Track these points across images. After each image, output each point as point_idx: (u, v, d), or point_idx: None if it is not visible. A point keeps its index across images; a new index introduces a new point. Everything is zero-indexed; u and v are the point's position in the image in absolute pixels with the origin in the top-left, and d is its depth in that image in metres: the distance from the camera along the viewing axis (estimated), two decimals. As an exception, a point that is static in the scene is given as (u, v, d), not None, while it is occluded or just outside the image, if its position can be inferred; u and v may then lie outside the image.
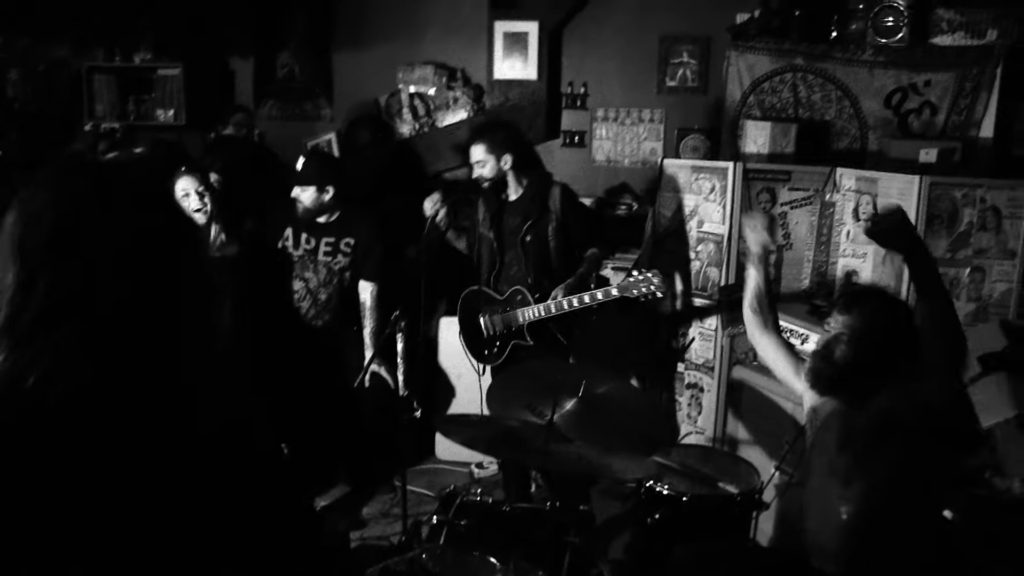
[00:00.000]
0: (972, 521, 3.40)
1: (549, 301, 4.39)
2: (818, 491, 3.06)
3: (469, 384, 5.51)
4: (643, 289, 4.19)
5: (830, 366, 2.93)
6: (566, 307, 4.35)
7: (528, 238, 4.53)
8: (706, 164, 4.90)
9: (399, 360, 4.34)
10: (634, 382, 5.30)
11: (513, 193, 4.61)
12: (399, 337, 4.28)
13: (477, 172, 4.55)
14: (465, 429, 2.87)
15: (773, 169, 4.73)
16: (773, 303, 3.59)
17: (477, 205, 4.74)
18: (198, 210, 4.33)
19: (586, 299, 4.30)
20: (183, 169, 4.39)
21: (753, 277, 3.55)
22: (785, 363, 3.44)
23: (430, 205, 4.60)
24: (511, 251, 4.60)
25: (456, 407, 5.66)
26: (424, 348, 5.55)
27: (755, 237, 3.56)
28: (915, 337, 2.79)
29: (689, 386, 5.15)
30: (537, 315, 4.44)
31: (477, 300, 4.71)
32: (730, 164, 4.69)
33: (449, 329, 5.63)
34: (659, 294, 4.21)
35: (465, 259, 4.92)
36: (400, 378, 4.37)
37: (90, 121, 6.41)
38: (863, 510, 2.84)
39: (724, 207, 4.72)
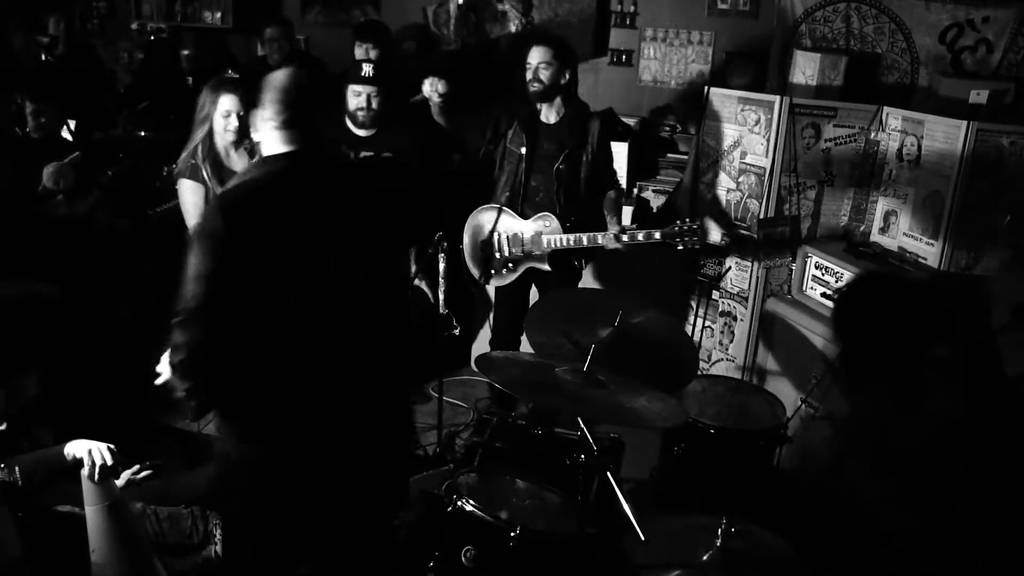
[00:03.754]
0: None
1: (585, 234, 4.45)
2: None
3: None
4: (687, 240, 4.30)
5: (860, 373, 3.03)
6: (603, 243, 4.42)
7: (563, 167, 4.52)
8: (753, 96, 4.88)
9: (440, 279, 4.42)
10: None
11: (552, 116, 4.57)
12: (441, 257, 4.35)
13: (533, 75, 4.45)
14: (500, 368, 2.94)
15: (820, 105, 4.71)
16: None
17: (498, 119, 4.69)
18: (231, 131, 4.11)
19: (625, 239, 4.37)
20: (224, 87, 4.26)
21: None
22: None
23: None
24: (540, 175, 4.58)
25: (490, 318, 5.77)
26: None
27: None
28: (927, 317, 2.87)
29: (723, 314, 5.22)
30: (565, 244, 4.50)
31: (498, 218, 4.68)
32: (776, 98, 4.67)
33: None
34: (698, 247, 4.33)
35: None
36: (441, 296, 4.46)
37: (136, 21, 6.42)
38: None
39: (768, 140, 4.73)
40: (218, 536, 3.27)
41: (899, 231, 4.54)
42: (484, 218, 4.75)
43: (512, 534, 2.73)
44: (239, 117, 4.09)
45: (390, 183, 2.86)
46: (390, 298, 2.90)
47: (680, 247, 4.33)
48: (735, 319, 5.13)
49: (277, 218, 2.53)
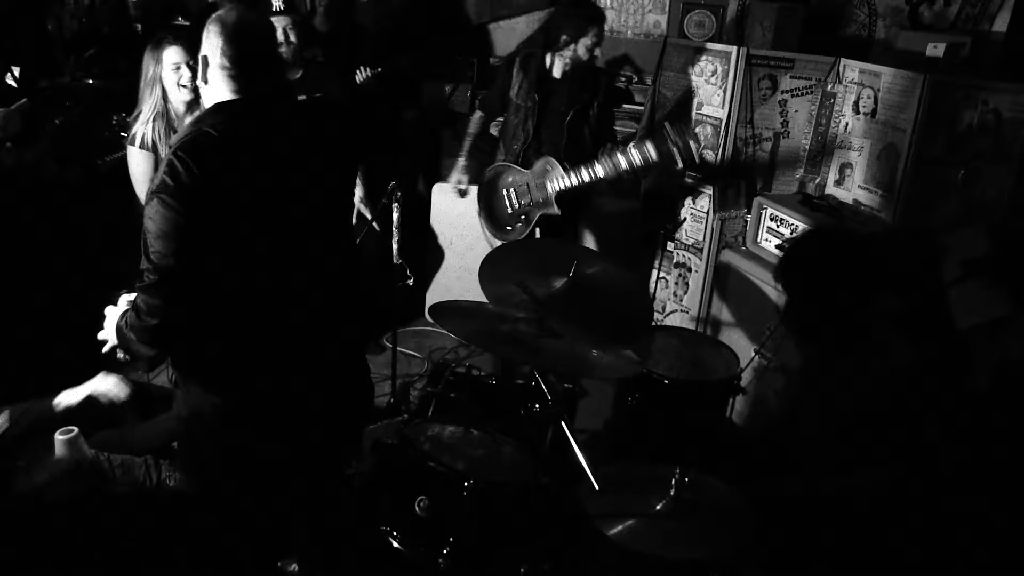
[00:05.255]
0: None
1: (586, 168, 4.44)
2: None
3: (459, 250, 5.62)
4: (676, 150, 4.23)
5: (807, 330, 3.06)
6: (601, 174, 4.40)
7: (573, 122, 4.60)
8: (710, 47, 4.85)
9: (394, 229, 4.38)
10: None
11: (559, 70, 4.63)
12: (395, 207, 4.31)
13: (589, 51, 4.49)
14: (456, 319, 2.93)
15: (777, 56, 4.69)
16: None
17: (507, 72, 4.75)
18: (185, 86, 3.89)
19: (624, 165, 4.33)
20: (169, 39, 4.09)
21: None
22: None
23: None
24: (548, 129, 4.63)
25: (444, 271, 5.75)
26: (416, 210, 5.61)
27: None
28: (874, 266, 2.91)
29: (677, 265, 5.23)
30: (570, 183, 4.50)
31: (503, 175, 4.77)
32: (734, 49, 4.65)
33: (442, 195, 5.66)
34: (691, 145, 4.24)
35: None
36: (395, 247, 4.42)
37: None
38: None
39: (725, 91, 4.71)
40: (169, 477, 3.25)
41: (854, 184, 4.56)
42: (491, 178, 4.83)
43: (466, 484, 2.72)
44: (190, 67, 3.92)
45: (334, 127, 2.75)
46: (344, 244, 2.87)
47: (680, 163, 4.29)
48: (690, 270, 5.14)
49: (238, 166, 2.43)
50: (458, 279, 5.66)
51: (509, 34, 6.33)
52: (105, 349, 2.69)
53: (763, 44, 4.83)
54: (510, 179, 4.72)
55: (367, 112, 4.88)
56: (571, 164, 4.52)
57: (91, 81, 5.52)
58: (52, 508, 2.53)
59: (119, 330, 2.53)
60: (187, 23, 6.00)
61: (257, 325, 2.55)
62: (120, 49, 5.68)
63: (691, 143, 4.23)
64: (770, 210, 4.60)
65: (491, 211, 4.84)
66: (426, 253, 5.77)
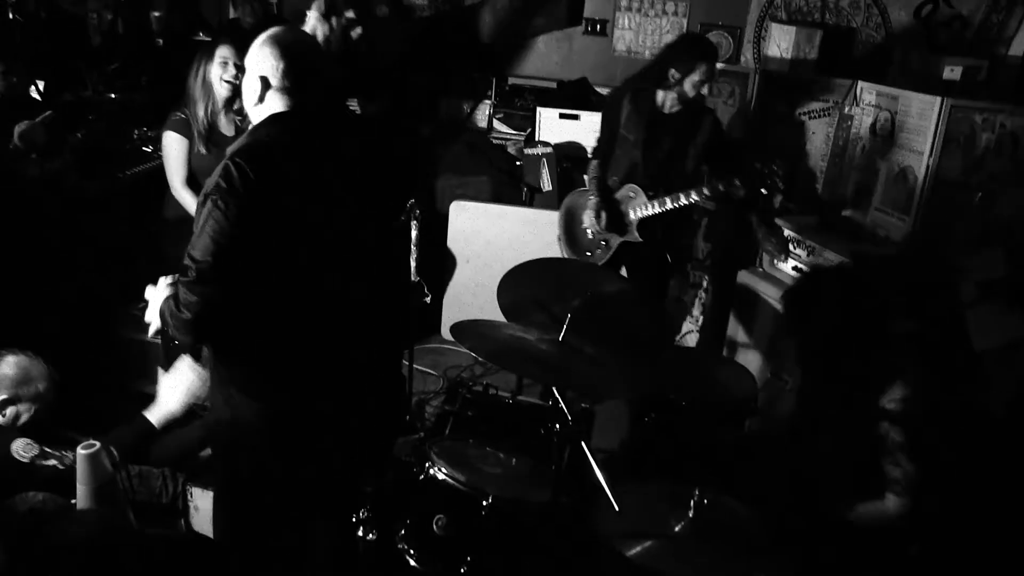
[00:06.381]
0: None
1: (669, 196, 4.35)
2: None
3: (476, 268, 5.63)
4: (769, 184, 4.12)
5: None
6: (683, 200, 4.32)
7: (670, 158, 4.46)
8: (728, 68, 4.88)
9: (413, 247, 4.40)
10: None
11: (669, 105, 4.47)
12: (414, 224, 4.33)
13: (696, 88, 4.34)
14: (477, 337, 2.93)
15: (794, 78, 4.71)
16: None
17: (615, 108, 4.62)
18: (228, 82, 4.06)
19: (705, 191, 4.26)
20: (224, 38, 4.19)
21: None
22: None
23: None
24: (652, 164, 4.49)
25: (461, 288, 5.76)
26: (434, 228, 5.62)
27: None
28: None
29: (693, 286, 5.24)
30: (652, 210, 4.42)
31: (583, 200, 4.67)
32: (751, 70, 4.67)
33: (459, 213, 5.69)
34: (781, 188, 4.15)
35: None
36: (413, 264, 4.44)
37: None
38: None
39: (742, 113, 4.73)
40: (192, 505, 3.27)
41: (871, 206, 4.57)
42: (573, 202, 4.77)
43: (484, 502, 2.73)
44: (236, 66, 4.02)
45: (385, 140, 2.85)
46: (391, 257, 2.91)
47: (765, 191, 4.16)
48: (706, 291, 5.14)
49: (291, 175, 2.51)
50: (474, 296, 5.67)
51: (527, 53, 6.36)
52: (150, 333, 2.71)
53: (781, 66, 4.85)
54: (592, 204, 4.60)
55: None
56: (652, 188, 4.44)
57: (113, 95, 5.58)
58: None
59: (162, 315, 2.59)
60: (208, 39, 6.05)
61: (297, 329, 2.62)
62: (142, 64, 5.74)
63: (774, 169, 4.11)
64: (786, 232, 4.60)
65: (572, 236, 4.77)
66: (442, 270, 5.78)
